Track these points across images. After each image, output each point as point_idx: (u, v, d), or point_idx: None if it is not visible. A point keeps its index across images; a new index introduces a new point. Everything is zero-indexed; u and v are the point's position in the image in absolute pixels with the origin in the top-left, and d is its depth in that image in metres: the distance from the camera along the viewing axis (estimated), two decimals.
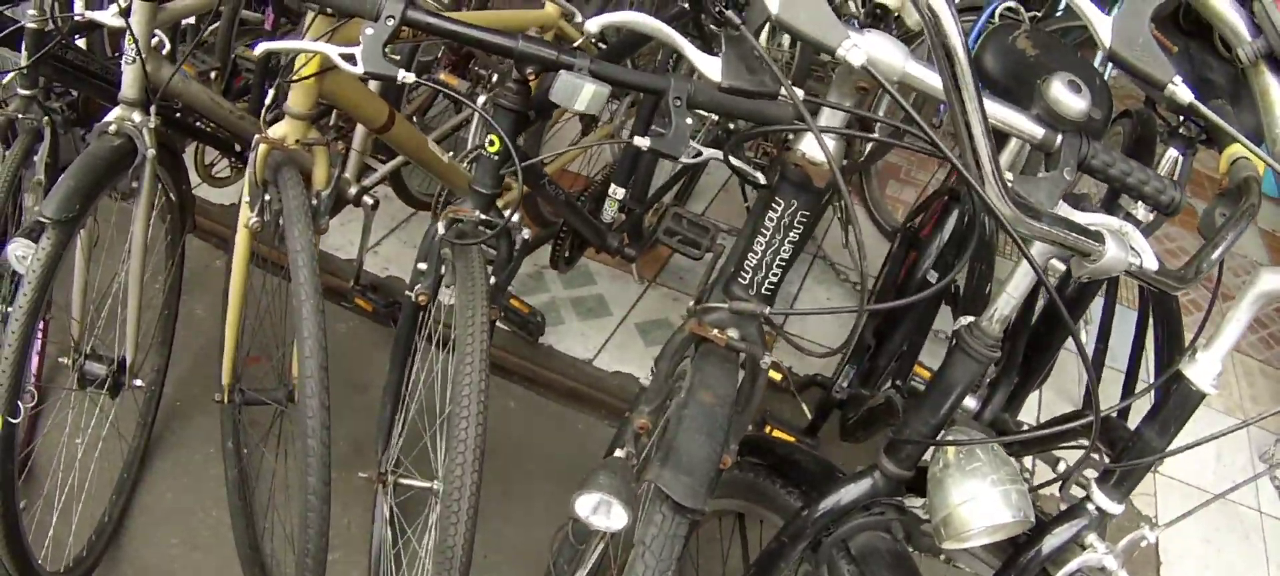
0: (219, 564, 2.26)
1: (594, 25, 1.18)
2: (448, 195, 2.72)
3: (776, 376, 2.69)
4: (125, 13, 1.86)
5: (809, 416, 2.52)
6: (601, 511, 1.31)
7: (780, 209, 1.33)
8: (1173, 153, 2.02)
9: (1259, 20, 1.02)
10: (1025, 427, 2.17)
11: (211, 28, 2.86)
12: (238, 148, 2.62)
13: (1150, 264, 1.19)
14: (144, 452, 2.44)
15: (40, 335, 2.33)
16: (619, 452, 1.39)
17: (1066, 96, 1.19)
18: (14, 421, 1.79)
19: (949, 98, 0.96)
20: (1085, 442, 1.66)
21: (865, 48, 0.95)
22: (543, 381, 2.90)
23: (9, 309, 1.93)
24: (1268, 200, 4.80)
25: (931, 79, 1.12)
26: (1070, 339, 2.57)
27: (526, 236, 1.81)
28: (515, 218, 1.77)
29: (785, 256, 1.35)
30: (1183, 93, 1.01)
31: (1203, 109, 1.07)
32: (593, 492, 1.30)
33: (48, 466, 2.32)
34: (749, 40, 1.05)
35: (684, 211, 2.43)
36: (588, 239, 2.66)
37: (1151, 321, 2.43)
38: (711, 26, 1.12)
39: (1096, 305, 2.66)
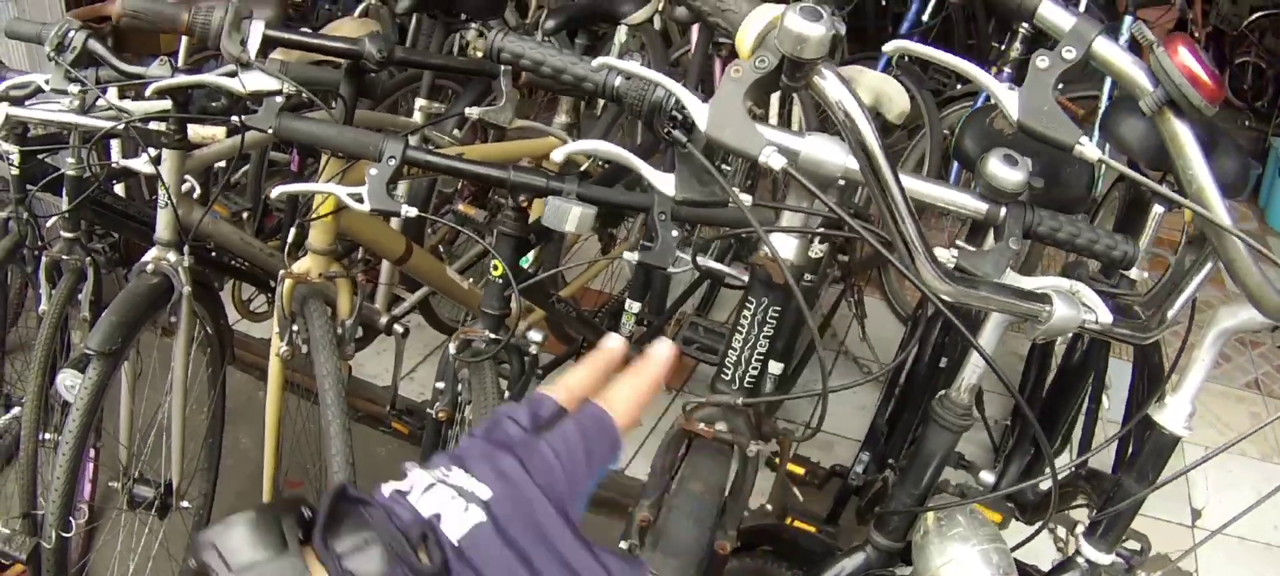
0: None
1: (560, 154, 1.31)
2: (471, 316, 2.84)
3: (798, 470, 2.76)
4: (156, 161, 2.02)
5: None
6: None
7: (753, 306, 1.42)
8: (1157, 209, 2.10)
9: (1155, 71, 1.09)
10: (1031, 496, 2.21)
11: (242, 171, 3.05)
12: (272, 284, 2.77)
13: (1104, 318, 1.25)
14: None
15: (91, 462, 2.48)
16: (623, 544, 1.47)
17: (1002, 171, 1.28)
18: (66, 536, 1.91)
19: (872, 189, 1.05)
20: (1081, 501, 1.73)
21: (793, 150, 1.06)
22: None
23: (60, 436, 2.08)
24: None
25: (833, 159, 1.21)
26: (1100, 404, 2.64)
27: (536, 349, 1.91)
28: (535, 337, 1.88)
29: (763, 350, 1.44)
30: (1090, 150, 1.09)
31: (1111, 162, 1.14)
32: None
33: None
34: (697, 156, 1.16)
35: (700, 320, 2.54)
36: None
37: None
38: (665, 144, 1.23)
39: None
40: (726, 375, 1.47)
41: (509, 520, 0.55)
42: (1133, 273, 2.03)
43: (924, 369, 2.45)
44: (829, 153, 1.19)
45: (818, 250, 2.44)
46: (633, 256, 1.59)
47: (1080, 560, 1.45)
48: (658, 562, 1.32)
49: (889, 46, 1.23)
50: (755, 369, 1.45)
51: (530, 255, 2.67)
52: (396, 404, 2.88)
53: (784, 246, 1.38)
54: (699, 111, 1.05)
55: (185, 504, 2.34)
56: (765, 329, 1.43)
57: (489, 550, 0.54)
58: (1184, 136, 1.17)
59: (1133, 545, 1.52)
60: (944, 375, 2.43)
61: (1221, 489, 3.07)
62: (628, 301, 2.70)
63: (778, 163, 1.00)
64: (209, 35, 1.89)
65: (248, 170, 3.04)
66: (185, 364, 2.20)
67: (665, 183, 1.20)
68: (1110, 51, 1.12)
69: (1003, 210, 1.30)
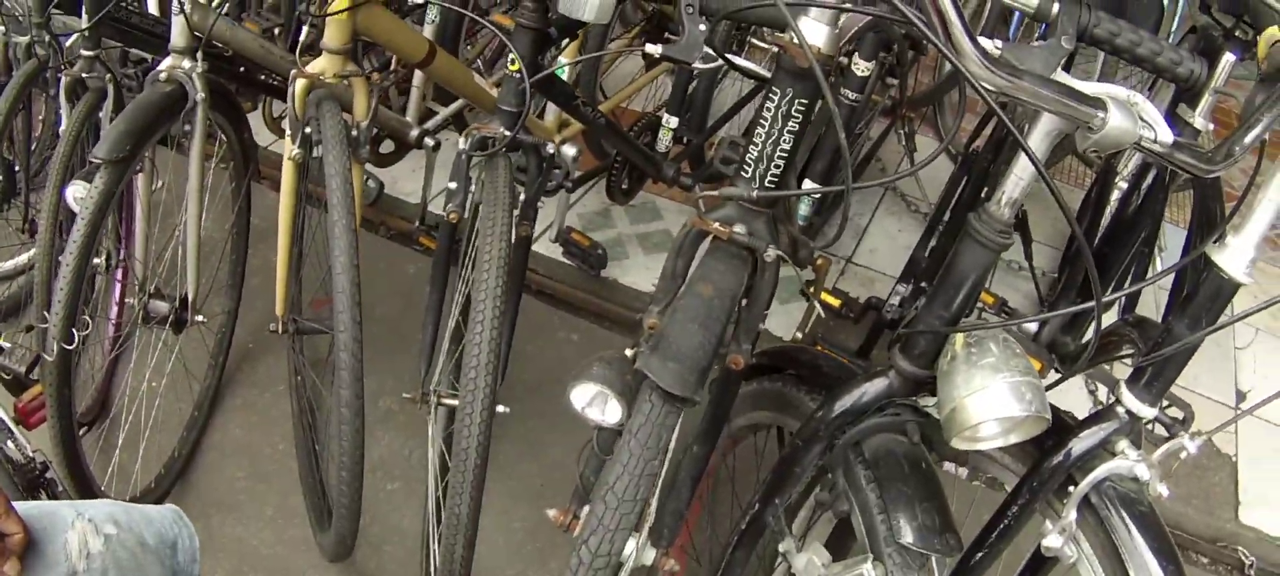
0: (282, 492, 2.31)
1: None
2: None
3: (834, 302, 2.65)
4: None
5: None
6: (597, 404, 1.30)
7: (778, 98, 1.30)
8: (1229, 56, 1.95)
9: None
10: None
11: None
12: None
13: (1165, 136, 1.11)
14: (215, 391, 2.51)
15: (118, 283, 2.43)
16: (628, 352, 1.38)
17: None
18: (68, 348, 1.86)
19: None
20: (1126, 352, 1.59)
21: None
22: (606, 314, 2.90)
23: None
24: None
25: None
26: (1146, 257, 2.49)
27: (573, 153, 1.81)
28: (569, 151, 1.77)
29: (786, 147, 1.32)
30: None
31: None
32: (587, 384, 1.30)
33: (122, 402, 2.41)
34: None
35: (741, 140, 2.41)
36: (644, 170, 2.65)
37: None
38: None
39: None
40: (746, 172, 1.35)
41: None
42: (1198, 121, 1.87)
43: (968, 202, 2.31)
44: None
45: (864, 68, 2.30)
46: (656, 49, 1.46)
47: (1120, 410, 1.31)
48: (655, 367, 1.22)
49: None
50: (778, 166, 1.33)
51: (566, 58, 2.55)
52: (425, 219, 2.81)
53: (812, 33, 1.24)
54: None
55: (201, 318, 2.28)
56: (790, 123, 1.30)
57: None
58: None
59: (1175, 412, 1.39)
60: None
61: (1271, 371, 2.94)
62: (665, 116, 2.57)
63: None
64: None
65: None
66: (200, 174, 2.12)
67: None
68: None
69: (1056, 4, 1.16)
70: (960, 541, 1.30)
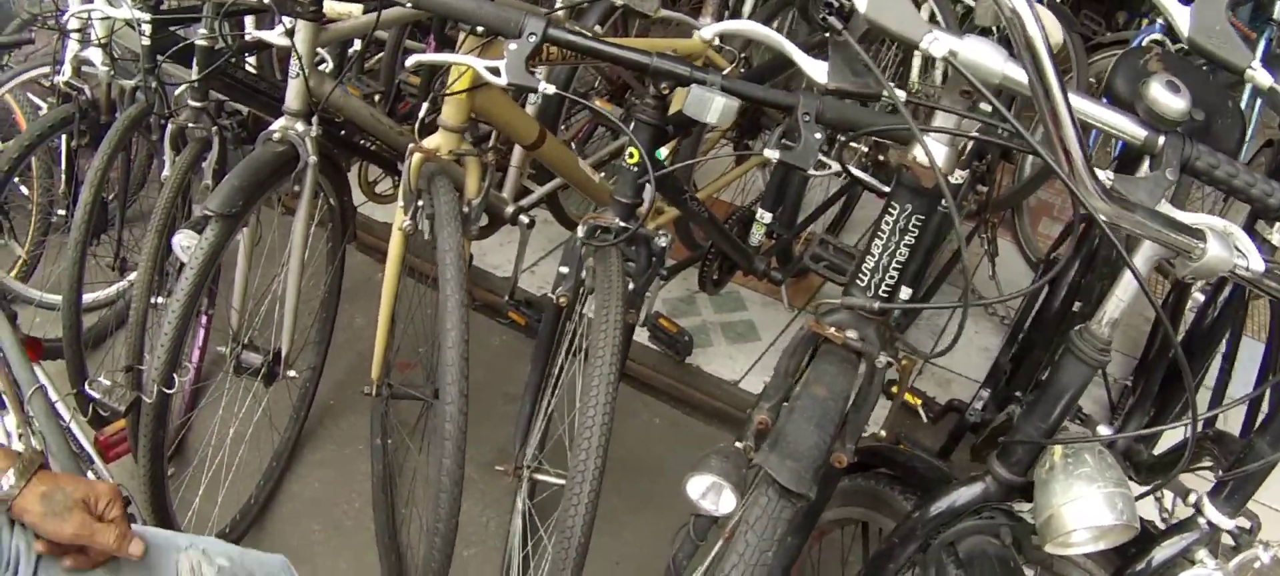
0: (357, 550, 2.43)
1: (710, 32, 1.28)
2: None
3: (914, 401, 2.74)
4: (290, 33, 2.06)
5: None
6: (711, 495, 1.40)
7: (896, 212, 1.41)
8: None
9: None
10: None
11: (377, 56, 3.10)
12: (400, 166, 2.81)
13: (1257, 265, 1.21)
14: (295, 443, 2.65)
15: (203, 328, 2.59)
16: (738, 445, 1.48)
17: (1165, 96, 1.23)
18: (168, 392, 1.99)
19: (1034, 92, 1.03)
20: (1207, 464, 1.68)
21: (949, 43, 1.03)
22: (689, 400, 3.01)
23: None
24: None
25: (994, 64, 1.18)
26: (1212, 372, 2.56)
27: (665, 242, 1.91)
28: (660, 241, 1.89)
29: (902, 259, 1.43)
30: (1263, 76, 1.06)
31: None
32: (704, 475, 1.39)
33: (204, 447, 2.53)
34: (851, 44, 1.14)
35: (830, 238, 2.52)
36: (736, 262, 2.77)
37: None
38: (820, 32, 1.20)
39: None
40: (861, 281, 1.46)
41: None
42: (1276, 237, 1.95)
43: (1055, 311, 2.39)
44: (987, 55, 1.16)
45: (958, 177, 2.41)
46: (774, 153, 1.57)
47: (1202, 521, 1.41)
48: (774, 464, 1.32)
49: None
50: (892, 277, 1.44)
51: (664, 151, 2.68)
52: (515, 294, 2.93)
53: (936, 151, 1.35)
54: None
55: (292, 373, 2.41)
56: (906, 237, 1.41)
57: None
58: None
59: (1243, 521, 1.48)
60: (1074, 320, 2.37)
61: None
62: (759, 211, 2.69)
63: (940, 50, 0.98)
64: None
65: (383, 54, 3.10)
66: (305, 234, 2.25)
67: (817, 69, 1.18)
68: None
69: (1161, 138, 1.26)
70: None
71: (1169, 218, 1.19)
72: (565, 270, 1.89)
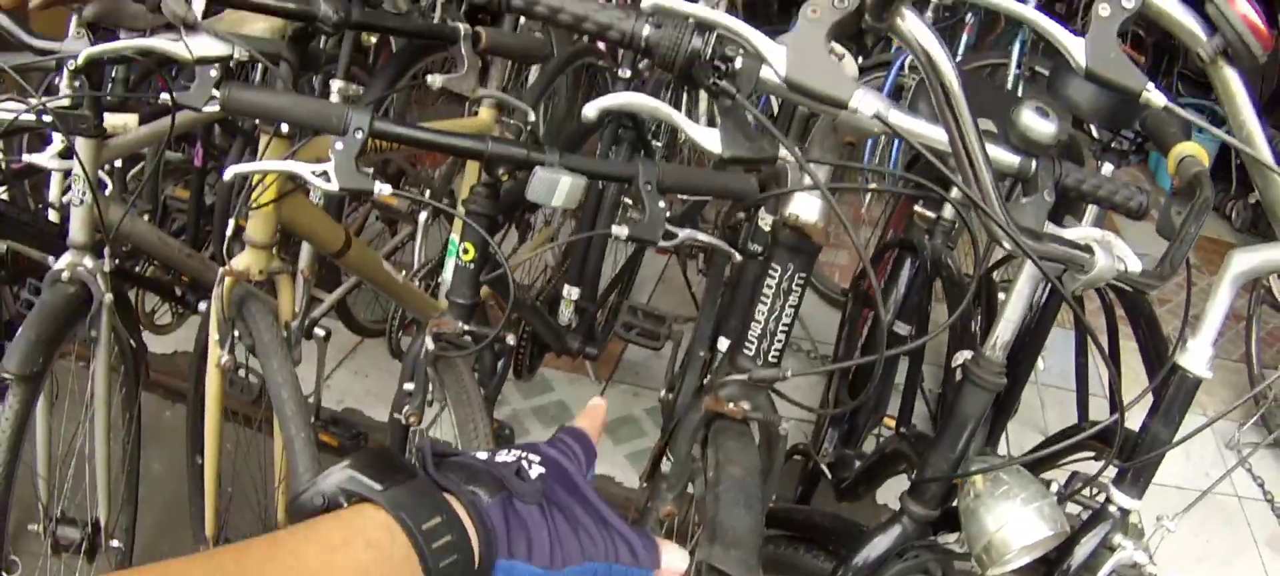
0: None
1: (593, 109, 1.23)
2: (402, 316, 2.76)
3: None
4: (66, 153, 1.88)
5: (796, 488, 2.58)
6: None
7: (778, 274, 1.40)
8: (1108, 166, 2.20)
9: (1214, 18, 1.15)
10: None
11: (137, 168, 2.88)
12: (179, 291, 2.63)
13: (1134, 266, 1.29)
14: None
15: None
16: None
17: (1038, 122, 1.29)
18: None
19: (950, 135, 1.04)
20: (1091, 452, 1.75)
21: (875, 104, 1.03)
22: None
23: None
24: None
25: (913, 126, 1.21)
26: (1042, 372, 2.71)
27: (512, 341, 1.84)
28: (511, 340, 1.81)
29: (787, 321, 1.42)
30: (1157, 97, 1.13)
31: (1177, 110, 1.19)
32: None
33: None
34: (745, 107, 1.12)
35: (638, 305, 2.51)
36: (548, 343, 2.71)
37: (1128, 329, 2.55)
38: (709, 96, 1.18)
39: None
40: (748, 349, 1.44)
41: (557, 478, 0.72)
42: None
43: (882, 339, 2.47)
44: (875, 105, 1.17)
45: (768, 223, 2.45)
46: (622, 231, 1.54)
47: (1112, 508, 1.47)
48: (720, 556, 1.29)
49: None
50: (780, 341, 1.43)
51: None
52: (320, 414, 2.78)
53: (810, 209, 1.36)
54: (775, 54, 1.01)
55: (115, 543, 2.21)
56: (791, 298, 1.41)
57: (553, 490, 0.71)
58: (1236, 84, 1.27)
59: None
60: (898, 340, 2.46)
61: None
62: (566, 287, 2.64)
63: (871, 108, 0.97)
64: None
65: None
66: (108, 384, 2.07)
67: (710, 139, 1.15)
68: (1167, 2, 1.17)
69: (1034, 163, 1.31)
70: None
71: (1060, 237, 1.24)
72: (410, 386, 1.79)
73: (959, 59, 3.66)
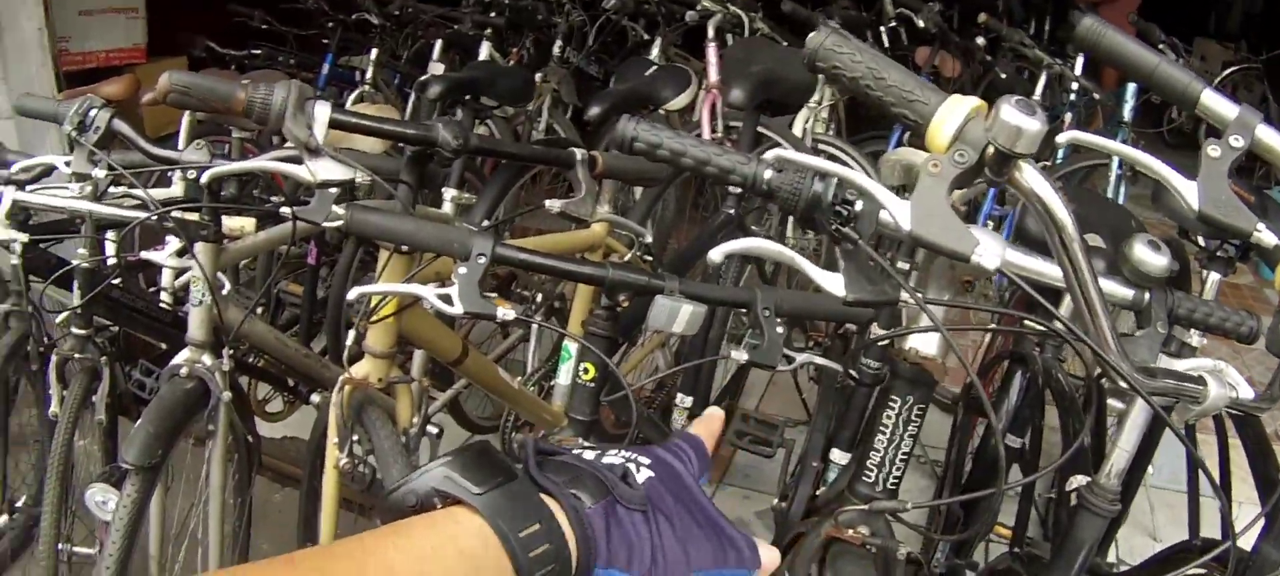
0: None
1: (718, 254, 1.29)
2: (515, 418, 2.84)
3: None
4: (184, 253, 1.98)
5: None
6: None
7: (898, 405, 1.46)
8: (1214, 276, 2.22)
9: None
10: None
11: (249, 259, 3.00)
12: (292, 381, 2.75)
13: (1246, 393, 1.30)
14: None
15: None
16: None
17: (1151, 256, 1.34)
18: None
19: (1067, 278, 1.10)
20: (1200, 570, 1.76)
21: (998, 253, 1.08)
22: None
23: (73, 548, 2.07)
24: None
25: (1031, 264, 1.27)
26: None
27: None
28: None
29: (906, 450, 1.48)
30: (1268, 237, 1.16)
31: None
32: None
33: None
34: (867, 252, 1.19)
35: (749, 411, 2.56)
36: None
37: (1239, 449, 2.53)
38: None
39: None
40: (868, 477, 1.50)
41: (667, 480, 0.72)
42: (1193, 339, 2.11)
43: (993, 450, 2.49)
44: (1027, 258, 1.23)
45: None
46: (742, 355, 1.60)
47: None
48: None
49: (1063, 137, 1.27)
50: (899, 470, 1.48)
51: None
52: None
53: (928, 343, 1.42)
54: (899, 209, 1.08)
55: None
56: (910, 427, 1.46)
57: (660, 495, 0.70)
58: None
59: None
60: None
61: None
62: (679, 396, 2.72)
63: (992, 262, 1.03)
64: (269, 117, 1.79)
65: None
66: (222, 473, 2.18)
67: (833, 283, 1.21)
68: (1272, 138, 1.21)
69: (1147, 295, 1.35)
70: None
71: (1174, 371, 1.27)
72: None
73: (1059, 160, 3.71)
